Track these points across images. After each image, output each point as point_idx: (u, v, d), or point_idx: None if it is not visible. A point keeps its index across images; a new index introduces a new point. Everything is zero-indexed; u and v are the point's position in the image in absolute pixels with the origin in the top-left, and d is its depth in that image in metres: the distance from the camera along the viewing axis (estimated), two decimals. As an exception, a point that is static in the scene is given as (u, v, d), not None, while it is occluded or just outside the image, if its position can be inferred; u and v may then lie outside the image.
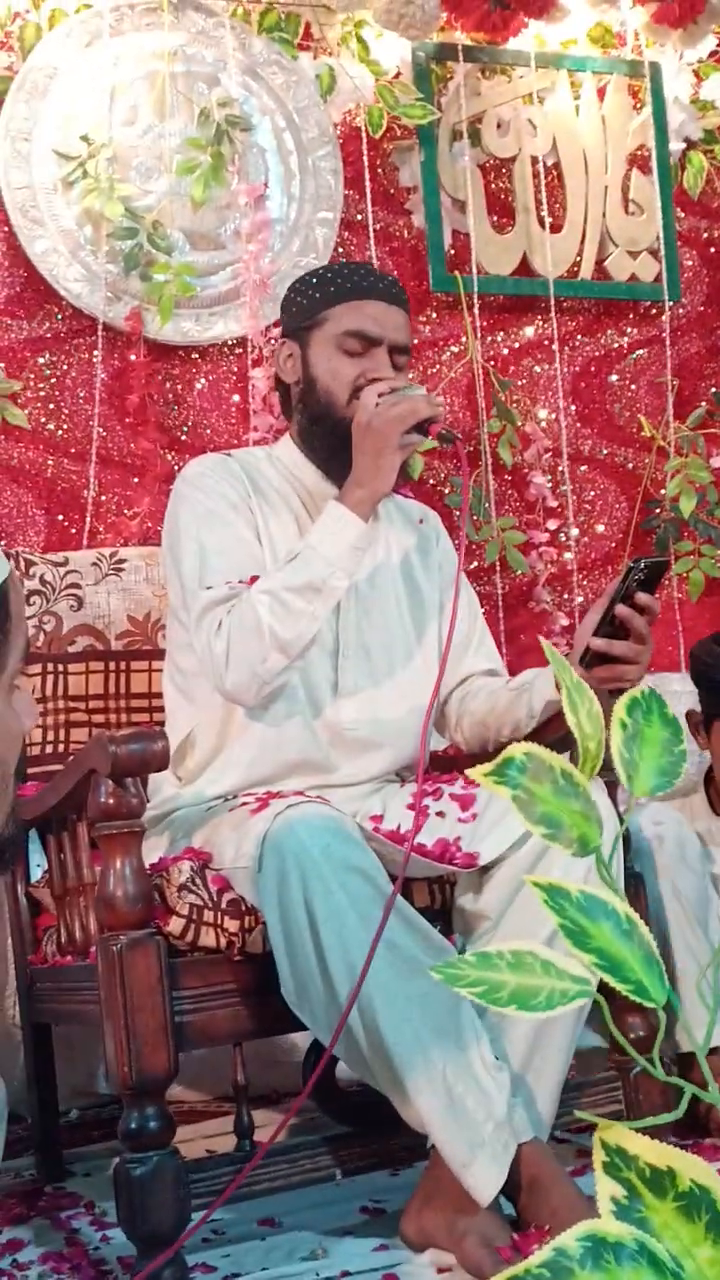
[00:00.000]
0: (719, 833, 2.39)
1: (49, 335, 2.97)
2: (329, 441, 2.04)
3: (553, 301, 3.35)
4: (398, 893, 1.68)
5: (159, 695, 2.37)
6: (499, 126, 3.34)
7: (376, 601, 2.09)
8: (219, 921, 1.77)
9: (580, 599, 3.34)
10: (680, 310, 3.55)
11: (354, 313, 2.04)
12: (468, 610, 2.21)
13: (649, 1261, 0.64)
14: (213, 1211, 1.65)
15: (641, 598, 1.86)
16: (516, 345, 3.38)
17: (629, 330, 3.50)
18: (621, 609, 1.86)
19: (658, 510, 3.42)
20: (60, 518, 2.95)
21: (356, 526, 1.91)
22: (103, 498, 2.97)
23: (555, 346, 3.39)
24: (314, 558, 1.89)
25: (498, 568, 3.24)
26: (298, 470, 2.11)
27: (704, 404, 3.49)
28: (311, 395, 2.06)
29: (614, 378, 3.48)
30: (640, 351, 3.51)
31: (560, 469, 3.38)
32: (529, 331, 3.39)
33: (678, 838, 2.20)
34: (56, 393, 2.97)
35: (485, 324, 3.32)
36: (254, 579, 1.94)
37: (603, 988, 0.74)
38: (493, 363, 3.33)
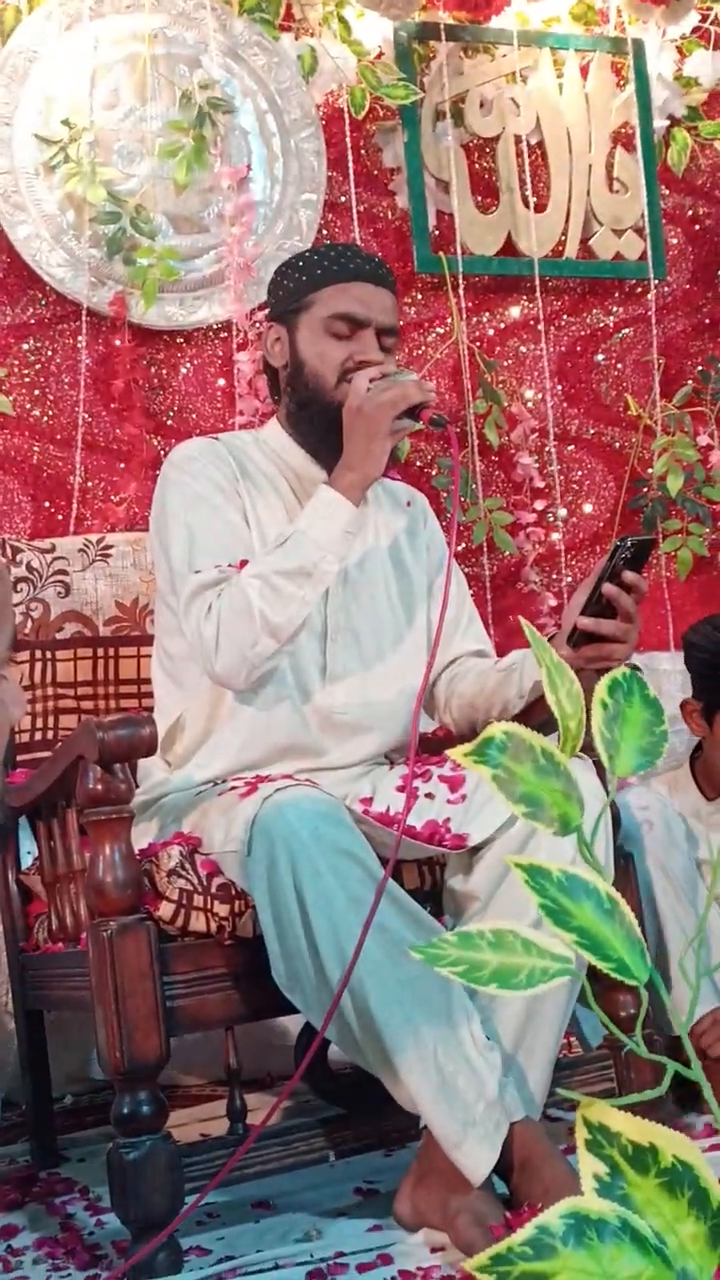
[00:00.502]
0: (705, 813, 2.39)
1: (33, 321, 2.96)
2: (318, 425, 2.04)
3: (538, 281, 3.34)
4: (389, 876, 1.68)
5: (147, 681, 2.37)
6: (482, 106, 3.33)
7: (365, 585, 2.08)
8: (209, 906, 1.78)
9: (568, 579, 3.34)
10: (666, 288, 3.54)
11: (341, 295, 2.04)
12: (456, 592, 2.21)
13: (632, 1238, 0.64)
14: (205, 1195, 1.66)
15: (629, 576, 1.86)
16: (502, 325, 3.38)
17: (615, 309, 3.50)
18: (608, 587, 1.86)
19: (645, 489, 3.42)
20: (46, 504, 2.94)
21: (347, 511, 1.91)
22: (89, 484, 2.96)
23: (541, 326, 3.38)
24: (305, 542, 1.89)
25: (485, 549, 3.24)
26: (285, 454, 2.11)
27: (690, 382, 3.49)
28: (299, 379, 2.05)
29: (600, 357, 3.48)
30: (626, 330, 3.50)
31: (547, 449, 3.38)
32: (514, 312, 3.39)
33: (664, 819, 2.20)
34: (41, 379, 2.96)
35: (470, 304, 3.32)
36: (243, 563, 1.94)
37: (593, 967, 0.74)
38: (478, 343, 3.32)
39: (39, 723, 2.35)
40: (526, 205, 3.35)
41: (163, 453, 3.02)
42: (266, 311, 2.15)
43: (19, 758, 2.29)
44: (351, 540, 1.93)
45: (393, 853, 1.71)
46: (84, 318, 2.94)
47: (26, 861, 2.28)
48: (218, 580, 1.92)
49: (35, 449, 2.94)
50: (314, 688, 2.01)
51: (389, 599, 2.10)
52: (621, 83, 3.46)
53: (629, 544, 1.84)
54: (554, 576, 3.35)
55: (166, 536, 2.01)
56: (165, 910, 1.76)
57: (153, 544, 2.10)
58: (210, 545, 1.97)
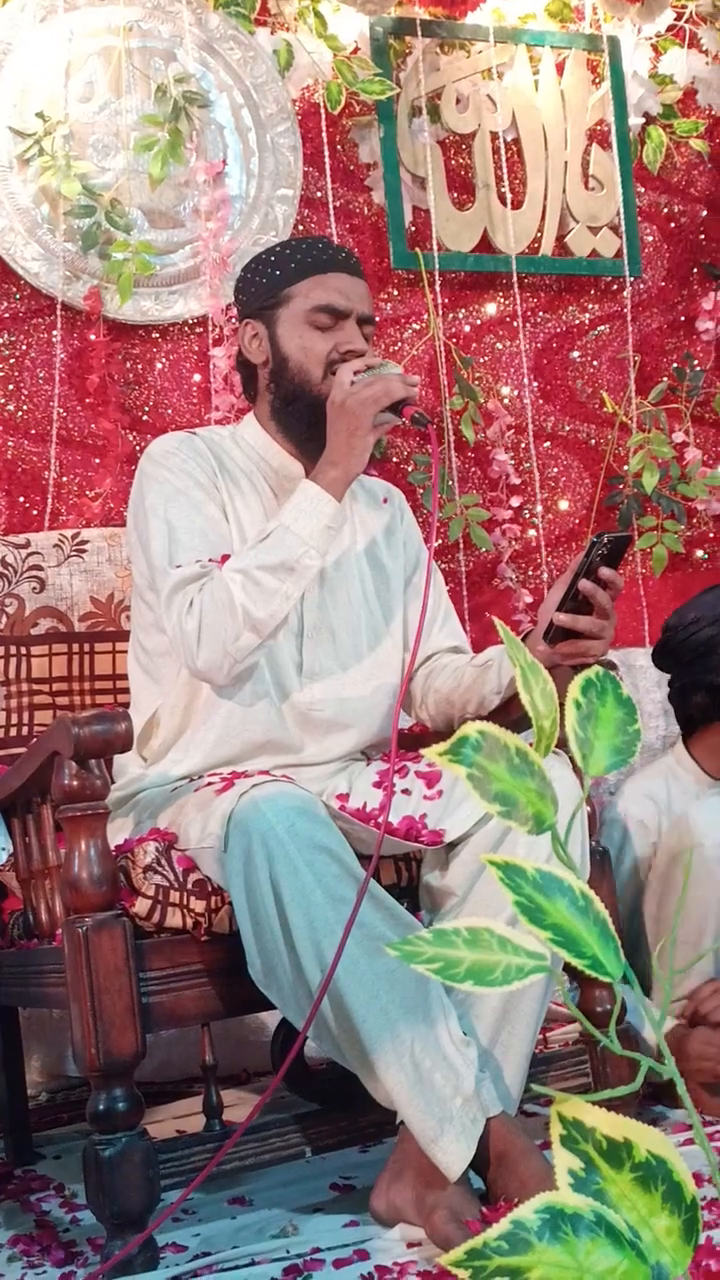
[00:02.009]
0: (710, 793, 2.34)
1: (7, 315, 2.95)
2: (304, 419, 2.03)
3: (515, 278, 3.35)
4: (371, 876, 1.68)
5: (123, 676, 2.37)
6: (458, 102, 3.33)
7: (341, 583, 2.08)
8: (185, 902, 1.77)
9: (544, 576, 3.34)
10: (641, 286, 3.55)
11: (319, 287, 2.03)
12: (434, 588, 2.22)
13: (607, 1232, 0.64)
14: (188, 1193, 1.65)
15: (605, 572, 1.87)
16: (478, 322, 3.38)
17: (590, 306, 3.50)
18: (585, 584, 1.86)
19: (620, 486, 3.43)
20: (21, 499, 2.93)
21: (330, 506, 1.91)
22: (64, 479, 2.95)
23: (517, 323, 3.39)
24: (287, 536, 1.89)
25: (461, 545, 3.24)
26: (263, 451, 2.10)
27: (665, 379, 3.50)
28: (284, 374, 2.04)
29: (576, 354, 3.48)
30: (602, 327, 3.51)
31: (523, 446, 3.38)
32: (490, 308, 3.39)
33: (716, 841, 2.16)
34: (16, 373, 2.95)
35: (446, 301, 3.32)
36: (225, 557, 1.93)
37: (569, 964, 0.74)
38: (454, 340, 3.32)
39: (13, 718, 2.34)
40: (503, 202, 3.35)
41: (138, 448, 3.01)
42: (237, 309, 2.14)
43: (-6, 754, 2.28)
44: (334, 535, 1.93)
45: (375, 851, 1.72)
46: (59, 312, 2.93)
47: (1, 858, 2.27)
48: (199, 575, 1.92)
49: (10, 444, 2.93)
50: (291, 685, 2.01)
51: (365, 596, 2.10)
52: (597, 80, 3.47)
53: (605, 540, 1.85)
54: (530, 573, 3.36)
55: (145, 531, 2.00)
56: (141, 906, 1.76)
57: (130, 538, 2.09)
58: (190, 540, 1.96)
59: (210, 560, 1.94)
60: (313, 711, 2.01)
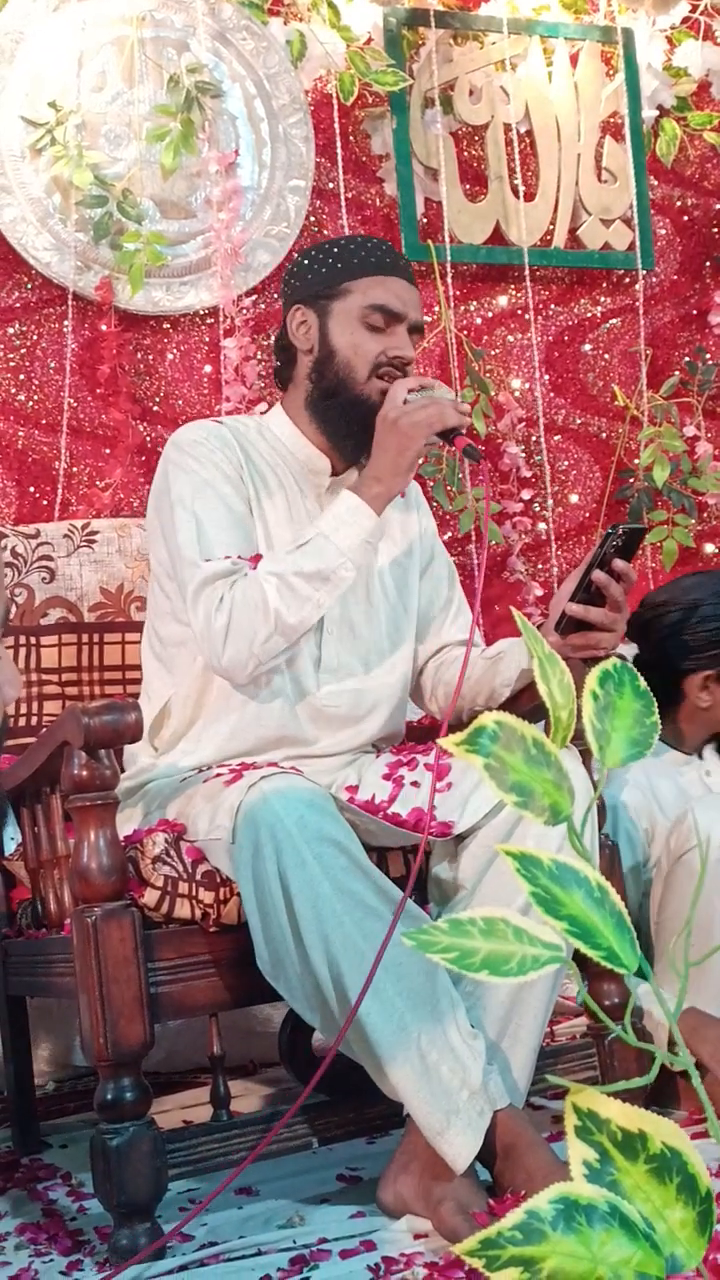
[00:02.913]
0: (683, 768, 2.32)
1: (18, 305, 2.95)
2: (340, 416, 2.02)
3: (527, 270, 3.34)
4: (409, 896, 1.68)
5: (132, 667, 2.37)
6: (471, 93, 3.32)
7: (361, 576, 2.08)
8: (194, 893, 1.77)
9: (554, 569, 3.34)
10: (654, 279, 3.54)
11: (379, 287, 2.02)
12: (446, 579, 2.21)
13: (621, 1223, 0.64)
14: (240, 1171, 1.65)
15: (618, 564, 1.86)
16: (490, 314, 3.37)
17: (602, 299, 3.50)
18: (598, 575, 1.86)
19: (631, 480, 3.42)
20: (31, 489, 2.93)
21: (370, 520, 1.91)
22: (74, 469, 2.95)
23: (529, 316, 3.38)
24: (326, 546, 1.88)
25: (472, 538, 3.24)
26: (290, 443, 2.08)
27: (677, 373, 3.49)
28: (329, 366, 2.02)
29: (587, 347, 3.48)
30: (614, 321, 3.50)
31: (534, 439, 3.38)
32: (502, 301, 3.38)
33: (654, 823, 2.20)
34: (26, 363, 2.95)
35: (458, 293, 3.31)
36: (256, 557, 1.93)
37: (578, 955, 0.74)
38: (466, 332, 3.32)
39: (23, 708, 2.34)
40: (515, 194, 3.34)
41: (148, 439, 3.01)
42: (286, 293, 2.11)
43: (3, 743, 2.29)
44: (371, 550, 1.94)
45: (417, 857, 1.72)
46: (70, 302, 2.93)
47: (10, 847, 2.28)
48: (230, 571, 1.91)
49: (20, 434, 2.93)
50: (308, 681, 2.00)
51: (383, 589, 2.10)
52: (611, 72, 3.46)
53: (620, 532, 1.84)
54: (540, 566, 3.36)
55: (171, 522, 1.98)
56: (150, 897, 1.76)
57: (151, 525, 2.07)
58: (219, 535, 1.94)
59: (240, 557, 1.93)
60: (327, 707, 2.01)
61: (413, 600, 2.13)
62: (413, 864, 1.93)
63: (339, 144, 3.19)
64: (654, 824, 2.24)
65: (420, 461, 1.96)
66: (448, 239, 3.25)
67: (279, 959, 1.70)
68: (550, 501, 3.38)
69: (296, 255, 2.13)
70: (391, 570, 2.12)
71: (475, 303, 3.36)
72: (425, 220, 3.28)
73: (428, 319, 3.28)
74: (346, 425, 2.01)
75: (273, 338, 3.08)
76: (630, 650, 2.37)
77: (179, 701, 2.03)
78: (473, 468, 2.26)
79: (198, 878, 1.78)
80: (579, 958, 1.72)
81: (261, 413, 2.94)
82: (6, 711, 1.09)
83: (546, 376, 3.42)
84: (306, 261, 2.08)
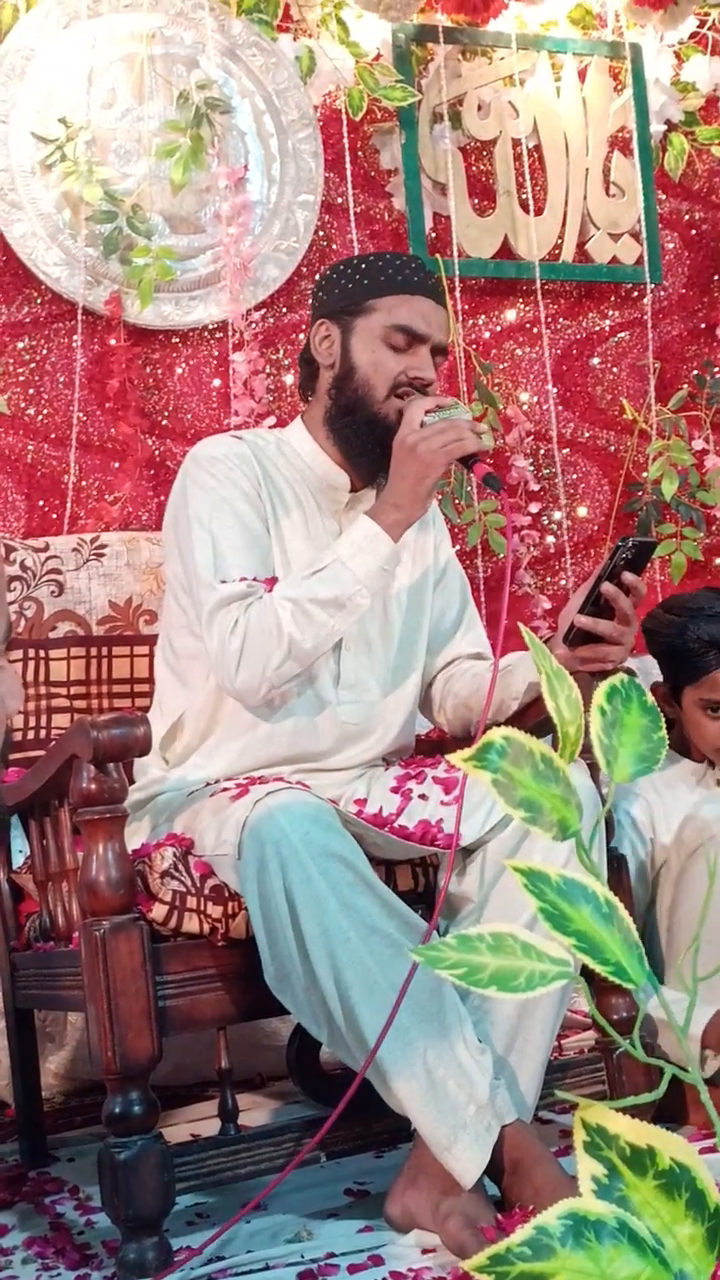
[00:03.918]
0: (698, 779, 2.28)
1: (28, 320, 2.96)
2: (357, 433, 2.01)
3: (538, 284, 3.35)
4: (434, 927, 1.68)
5: (141, 680, 2.37)
6: (479, 108, 3.33)
7: (378, 593, 2.08)
8: (202, 908, 1.77)
9: (563, 582, 3.34)
10: (662, 293, 3.55)
11: (404, 306, 2.01)
12: (459, 594, 2.21)
13: (629, 1239, 0.64)
14: (281, 1177, 1.65)
15: (628, 577, 1.86)
16: (498, 328, 3.38)
17: (611, 313, 3.50)
18: (608, 587, 1.85)
19: (640, 493, 3.42)
20: (41, 503, 2.94)
21: (388, 547, 1.90)
22: (83, 483, 2.96)
23: (537, 329, 3.39)
24: (343, 573, 1.88)
25: (480, 551, 3.24)
26: (309, 459, 2.08)
27: (685, 386, 3.49)
28: (349, 383, 2.02)
29: (596, 361, 3.48)
30: (622, 334, 3.51)
31: (543, 452, 3.38)
32: (511, 314, 3.39)
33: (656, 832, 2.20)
34: (36, 377, 2.96)
35: (467, 307, 3.32)
36: (271, 580, 1.93)
37: (586, 969, 0.74)
38: (474, 345, 3.32)
39: (31, 721, 2.35)
40: (524, 208, 3.35)
41: (157, 453, 3.02)
42: (313, 306, 2.10)
43: (11, 756, 2.29)
44: (387, 576, 1.93)
45: (445, 873, 1.72)
46: (79, 316, 2.94)
47: (18, 860, 2.28)
48: (245, 594, 1.90)
49: (30, 448, 2.94)
50: (328, 696, 2.00)
51: (398, 604, 2.10)
52: (619, 87, 3.47)
53: (630, 545, 1.84)
54: (548, 579, 3.36)
55: (188, 539, 1.97)
56: (158, 912, 1.76)
57: (168, 539, 2.06)
58: (235, 557, 1.94)
59: (256, 579, 1.92)
60: (347, 724, 2.01)
61: (425, 615, 2.13)
62: (420, 878, 1.94)
63: (348, 159, 3.20)
64: (655, 827, 2.23)
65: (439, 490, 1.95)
66: (456, 253, 3.26)
67: (285, 974, 1.70)
68: (559, 515, 3.38)
69: (326, 269, 2.13)
70: (408, 586, 2.12)
71: (484, 316, 3.37)
72: (434, 235, 3.29)
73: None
74: (362, 443, 2.01)
75: (282, 352, 3.10)
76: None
77: (193, 715, 2.03)
78: (498, 499, 2.24)
79: (206, 892, 1.78)
80: (587, 971, 1.72)
81: (271, 426, 2.95)
82: (10, 724, 1.09)
83: (555, 390, 3.42)
84: (334, 276, 2.07)
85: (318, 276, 2.15)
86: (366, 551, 1.89)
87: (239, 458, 2.03)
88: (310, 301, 2.13)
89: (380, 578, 1.91)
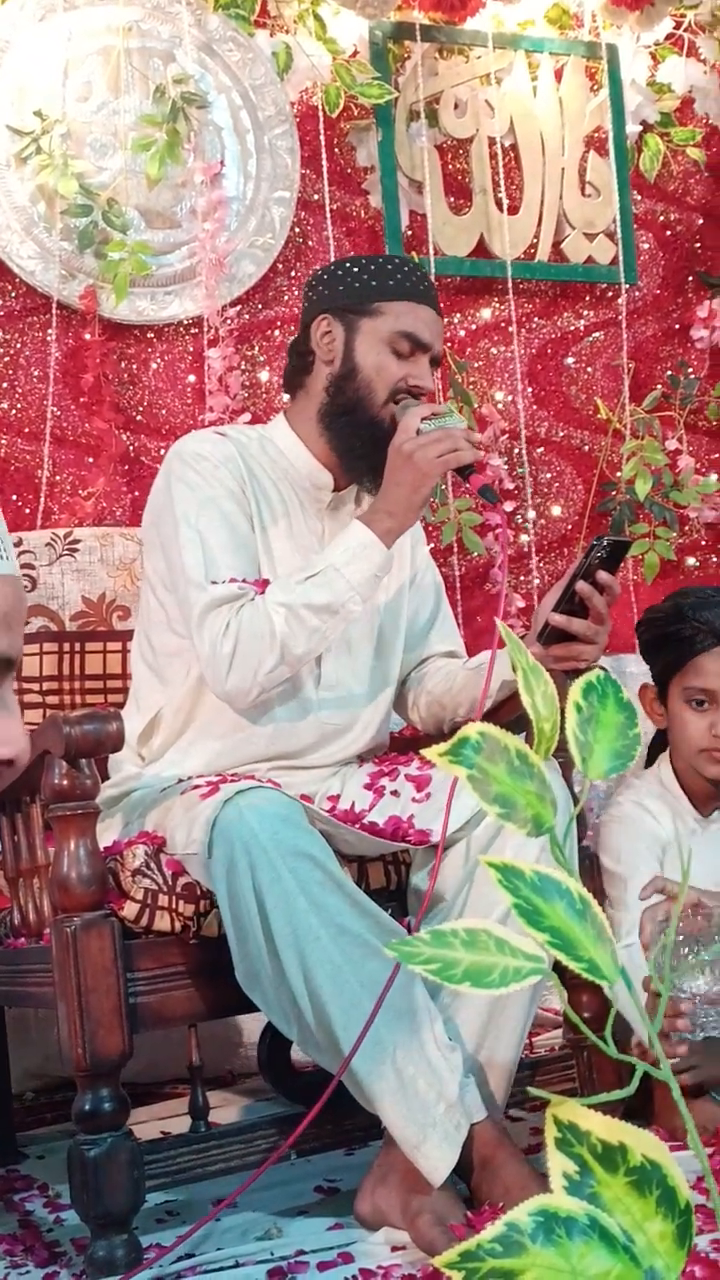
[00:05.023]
0: (693, 830, 2.11)
1: (2, 314, 2.95)
2: (355, 435, 2.00)
3: (510, 283, 3.35)
4: (417, 929, 1.68)
5: (114, 676, 2.36)
6: (456, 107, 3.33)
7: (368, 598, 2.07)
8: (173, 906, 1.77)
9: (536, 580, 3.35)
10: (636, 293, 3.56)
11: (412, 314, 2.00)
12: (433, 592, 2.21)
13: (600, 1236, 0.64)
14: (240, 1192, 1.65)
15: (602, 576, 1.86)
16: (473, 327, 3.39)
17: (585, 313, 3.51)
18: (582, 586, 1.86)
19: (613, 493, 3.43)
20: (14, 498, 2.92)
21: (381, 555, 1.90)
22: (57, 478, 2.95)
23: (512, 328, 3.39)
24: (337, 579, 1.87)
25: (454, 549, 3.24)
26: (293, 455, 2.06)
27: (659, 387, 3.50)
28: (349, 384, 2.00)
29: (570, 360, 3.49)
30: (597, 334, 3.52)
31: (517, 451, 3.39)
32: (485, 313, 3.40)
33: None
34: (10, 372, 2.94)
35: (442, 305, 3.31)
36: (262, 582, 1.92)
37: (558, 965, 0.74)
38: (450, 344, 3.32)
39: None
40: (499, 207, 3.36)
41: (132, 448, 3.01)
42: (312, 298, 2.07)
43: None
44: (379, 584, 1.92)
45: (430, 879, 1.71)
46: (54, 311, 2.93)
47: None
48: (236, 596, 1.89)
49: (3, 442, 2.92)
50: (309, 698, 2.00)
51: (379, 605, 2.10)
52: (595, 87, 3.47)
53: (605, 544, 1.85)
54: (522, 578, 3.36)
55: (175, 538, 1.95)
56: (130, 910, 1.75)
57: (148, 534, 2.04)
58: (225, 557, 1.92)
59: (246, 581, 1.92)
60: (327, 724, 2.01)
61: (402, 616, 2.13)
62: (392, 875, 1.94)
63: (324, 156, 3.19)
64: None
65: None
66: (432, 251, 3.26)
67: (255, 972, 1.70)
68: (533, 514, 3.39)
69: (329, 263, 2.11)
70: (387, 587, 2.12)
71: (459, 315, 3.37)
72: (410, 232, 3.29)
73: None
74: (359, 445, 2.00)
75: (257, 348, 3.09)
76: None
77: (170, 712, 2.02)
78: (486, 506, 2.23)
79: (178, 890, 1.78)
80: (559, 967, 1.72)
81: (248, 422, 2.94)
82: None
83: (529, 389, 3.43)
84: (340, 272, 2.05)
85: (319, 269, 2.13)
86: (360, 559, 1.88)
87: (224, 456, 2.01)
88: (308, 293, 2.10)
89: (373, 585, 1.90)
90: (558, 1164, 0.67)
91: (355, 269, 2.04)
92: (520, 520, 3.37)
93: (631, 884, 1.96)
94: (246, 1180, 1.72)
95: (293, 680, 1.97)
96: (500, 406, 3.37)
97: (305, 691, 2.00)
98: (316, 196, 3.21)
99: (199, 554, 1.92)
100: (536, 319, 3.46)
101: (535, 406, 3.44)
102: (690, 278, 3.63)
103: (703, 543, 3.58)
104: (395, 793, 1.92)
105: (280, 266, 3.16)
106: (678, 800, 2.12)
